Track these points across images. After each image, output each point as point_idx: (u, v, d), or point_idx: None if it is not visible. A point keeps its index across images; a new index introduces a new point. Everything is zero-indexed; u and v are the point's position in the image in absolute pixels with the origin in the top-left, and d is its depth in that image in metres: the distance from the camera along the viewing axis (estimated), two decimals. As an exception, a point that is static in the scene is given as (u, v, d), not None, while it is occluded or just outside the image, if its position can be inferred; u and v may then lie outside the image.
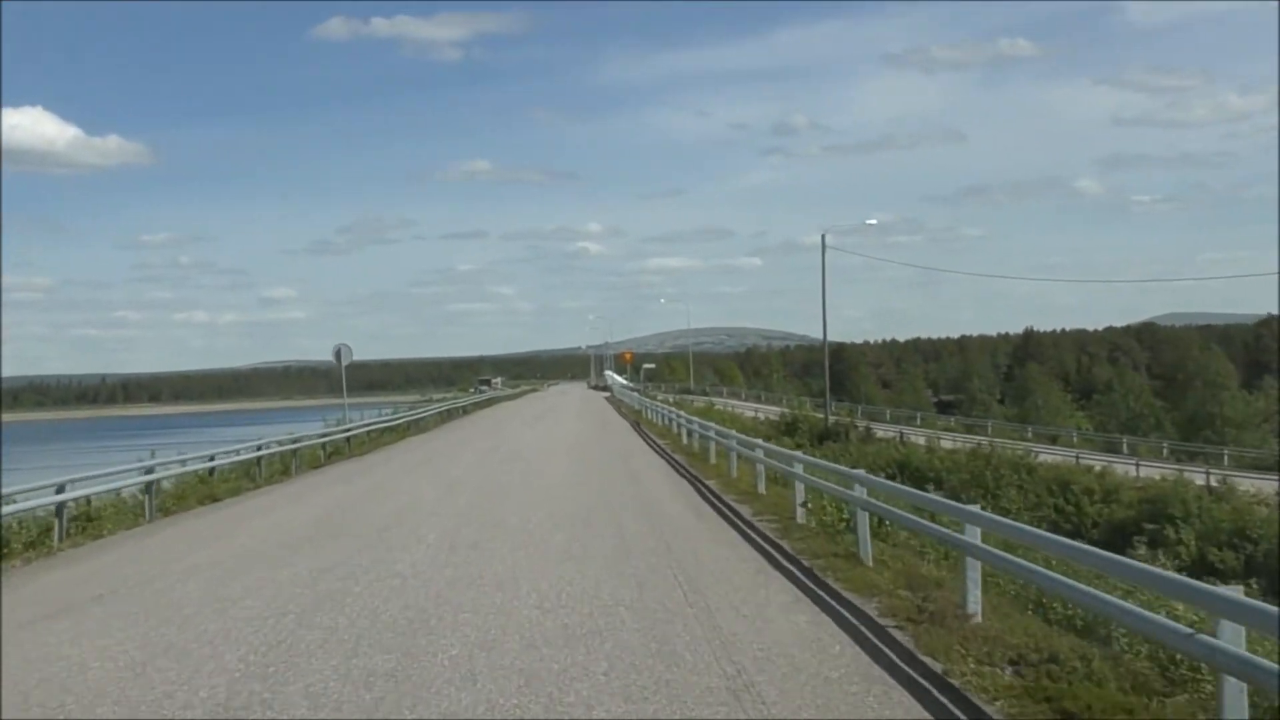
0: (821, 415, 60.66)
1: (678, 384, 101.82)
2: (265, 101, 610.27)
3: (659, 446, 30.56)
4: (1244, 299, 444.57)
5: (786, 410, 63.15)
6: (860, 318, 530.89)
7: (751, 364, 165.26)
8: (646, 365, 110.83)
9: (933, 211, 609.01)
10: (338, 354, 36.45)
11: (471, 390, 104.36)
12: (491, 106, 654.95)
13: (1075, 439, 62.40)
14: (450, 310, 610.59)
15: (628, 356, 70.96)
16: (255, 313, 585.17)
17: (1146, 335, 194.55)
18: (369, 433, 35.65)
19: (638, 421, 45.29)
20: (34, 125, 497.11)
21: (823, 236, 56.57)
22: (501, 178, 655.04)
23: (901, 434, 54.87)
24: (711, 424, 26.51)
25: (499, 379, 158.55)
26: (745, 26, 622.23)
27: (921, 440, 53.90)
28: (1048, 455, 48.19)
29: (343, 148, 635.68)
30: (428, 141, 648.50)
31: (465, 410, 60.46)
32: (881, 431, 56.35)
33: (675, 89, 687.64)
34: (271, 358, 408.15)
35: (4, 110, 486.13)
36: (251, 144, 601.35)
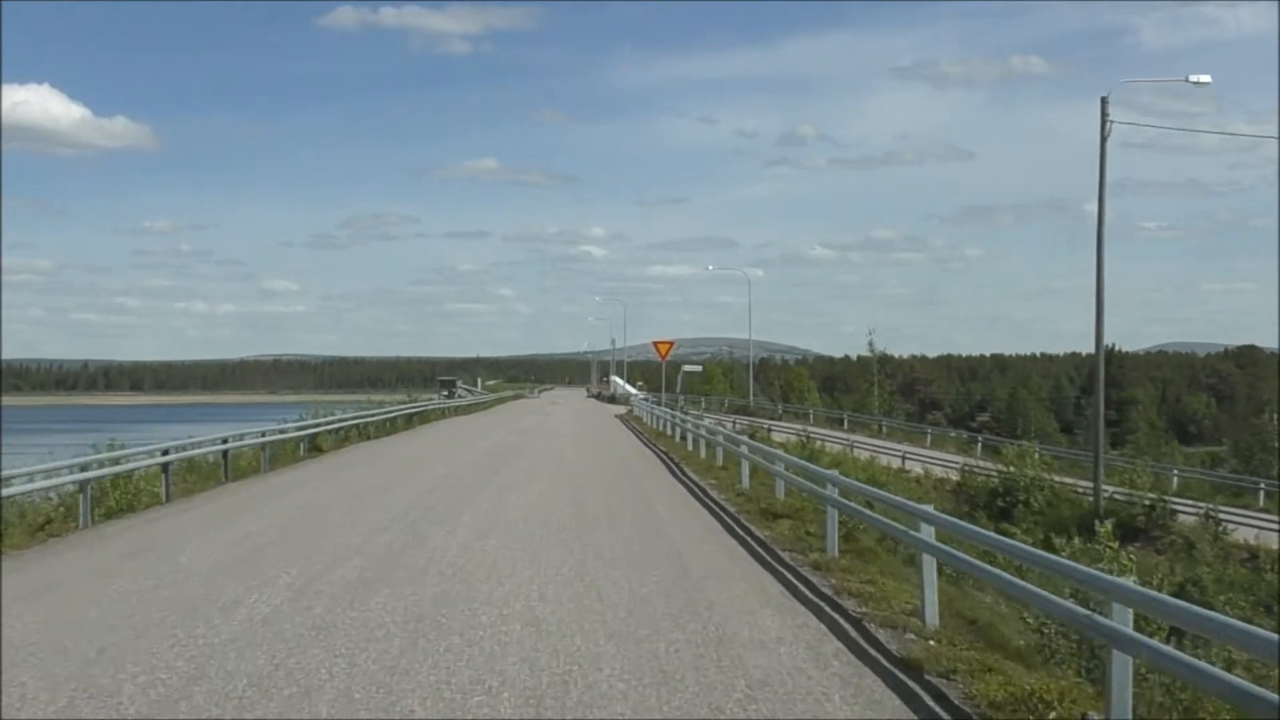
0: (1064, 481, 32.76)
1: (719, 398, 73.00)
2: (270, 89, 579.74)
3: None
4: (1246, 330, 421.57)
5: (977, 463, 34.64)
6: (855, 334, 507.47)
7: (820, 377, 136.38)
8: (688, 367, 78.96)
9: (935, 230, 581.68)
10: None
11: (444, 394, 76.18)
12: (498, 104, 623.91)
13: None
14: (449, 310, 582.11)
15: (663, 350, 43.52)
16: (254, 304, 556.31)
17: (1247, 359, 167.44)
18: None
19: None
20: (41, 103, 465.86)
21: (1102, 100, 29.26)
22: (506, 178, 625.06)
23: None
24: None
25: (489, 382, 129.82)
26: (754, 34, 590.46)
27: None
28: None
29: (347, 140, 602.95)
30: (432, 137, 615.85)
31: (314, 447, 28.38)
32: (1235, 522, 26.90)
33: (683, 95, 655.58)
34: (271, 350, 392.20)
35: (9, 88, 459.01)
36: (254, 133, 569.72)
